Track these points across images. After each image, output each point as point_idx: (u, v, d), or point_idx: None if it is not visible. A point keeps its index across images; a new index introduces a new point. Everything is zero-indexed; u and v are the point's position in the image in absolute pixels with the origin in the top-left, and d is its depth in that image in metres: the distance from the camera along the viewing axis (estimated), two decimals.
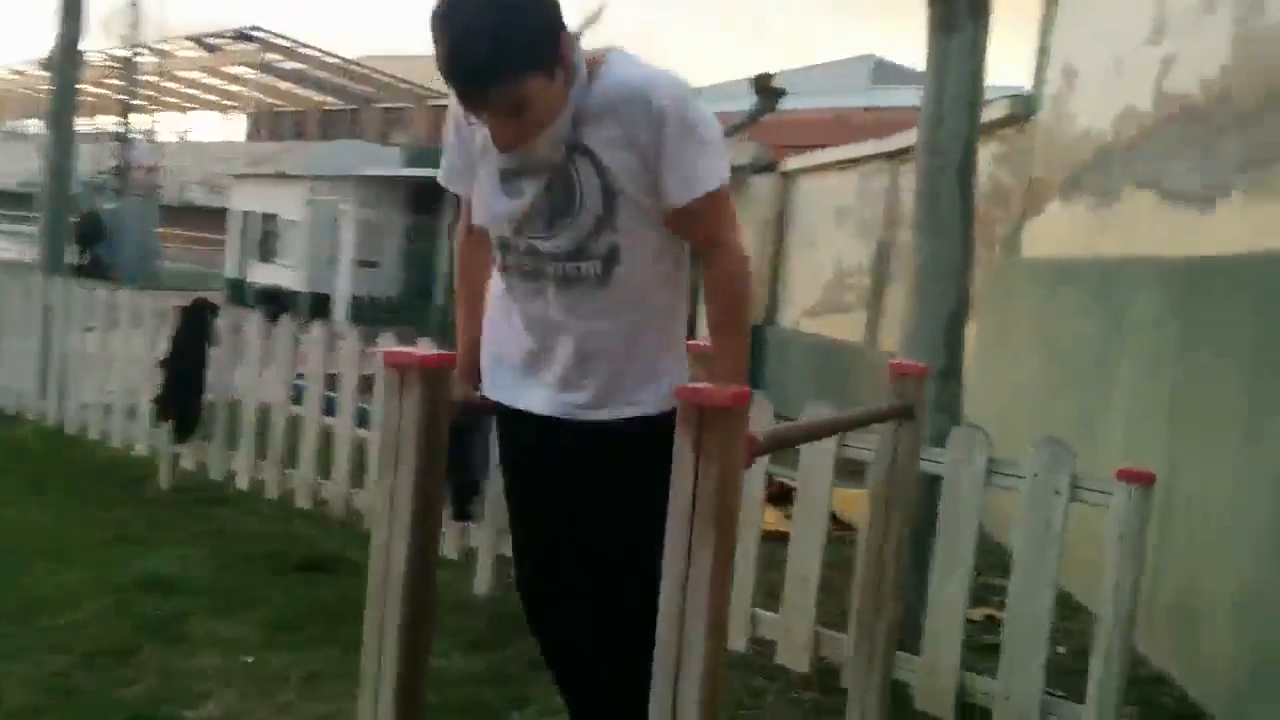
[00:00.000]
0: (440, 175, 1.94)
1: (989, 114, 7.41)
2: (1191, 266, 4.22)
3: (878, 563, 2.69)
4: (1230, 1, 4.34)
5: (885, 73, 26.95)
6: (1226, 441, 3.73)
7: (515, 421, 2.00)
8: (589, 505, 1.99)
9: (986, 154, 7.45)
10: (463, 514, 4.37)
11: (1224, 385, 3.85)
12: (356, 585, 4.37)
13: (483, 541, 4.25)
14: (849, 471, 3.55)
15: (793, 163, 11.98)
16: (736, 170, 12.49)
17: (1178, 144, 4.67)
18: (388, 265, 21.01)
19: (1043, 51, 6.81)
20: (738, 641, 3.56)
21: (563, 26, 1.64)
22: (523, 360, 1.93)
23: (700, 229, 1.79)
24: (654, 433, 1.86)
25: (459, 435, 4.27)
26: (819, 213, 11.09)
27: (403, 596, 1.56)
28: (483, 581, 4.23)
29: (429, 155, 24.51)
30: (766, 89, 9.77)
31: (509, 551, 4.14)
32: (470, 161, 1.86)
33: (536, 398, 1.94)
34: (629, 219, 1.76)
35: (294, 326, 5.25)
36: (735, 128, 10.08)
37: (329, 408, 5.07)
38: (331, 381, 5.07)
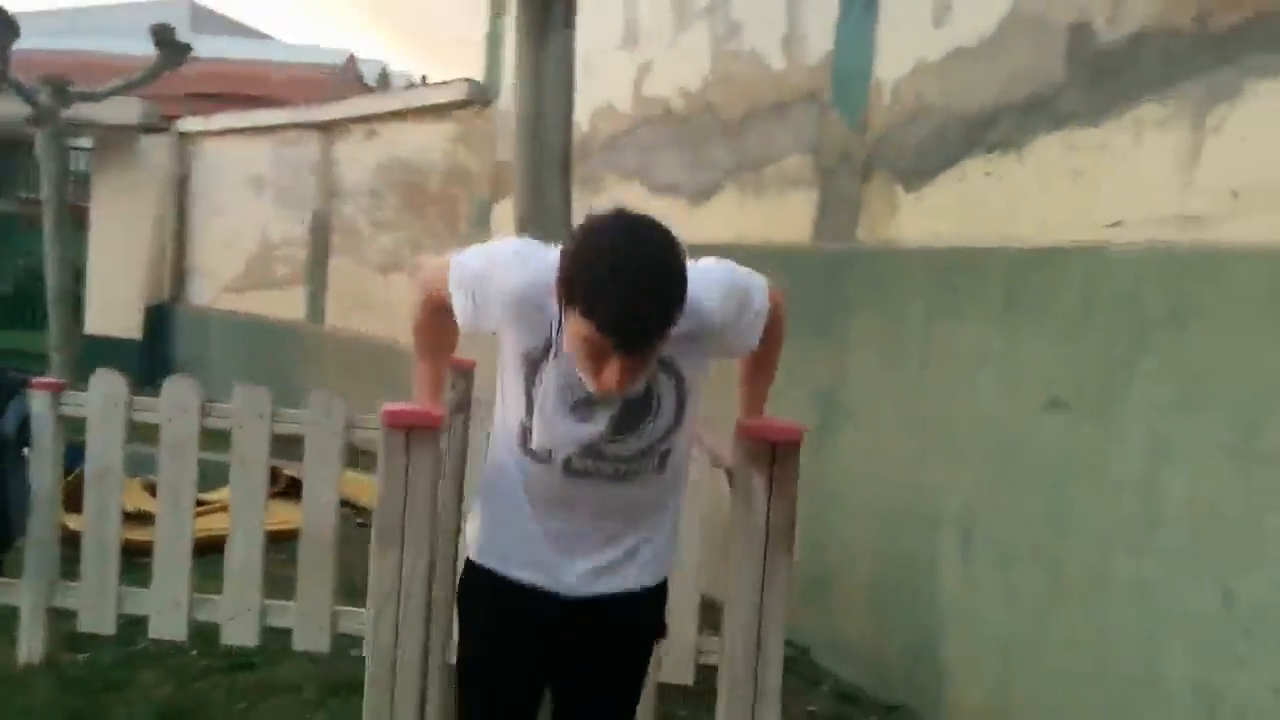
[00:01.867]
0: (464, 320, 1.74)
1: (445, 95, 7.70)
2: (697, 251, 4.93)
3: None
4: (706, 21, 5.09)
5: (203, 19, 25.62)
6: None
7: (529, 598, 1.82)
8: (605, 667, 1.92)
9: (443, 133, 7.76)
10: None
11: None
12: None
13: (26, 599, 3.61)
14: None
15: (192, 124, 11.19)
16: (123, 129, 11.33)
17: (664, 143, 5.36)
18: None
19: (494, 38, 7.23)
20: (250, 637, 3.55)
21: None
22: (556, 539, 1.80)
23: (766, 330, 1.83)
24: (664, 582, 1.90)
25: None
26: (230, 180, 10.52)
27: (418, 681, 1.44)
28: (32, 646, 3.59)
29: None
30: (169, 41, 8.96)
31: (65, 603, 3.58)
32: (498, 324, 1.70)
33: (571, 580, 1.81)
34: (690, 412, 1.77)
35: None
36: (131, 84, 9.13)
37: None
38: None
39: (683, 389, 1.71)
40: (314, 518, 3.58)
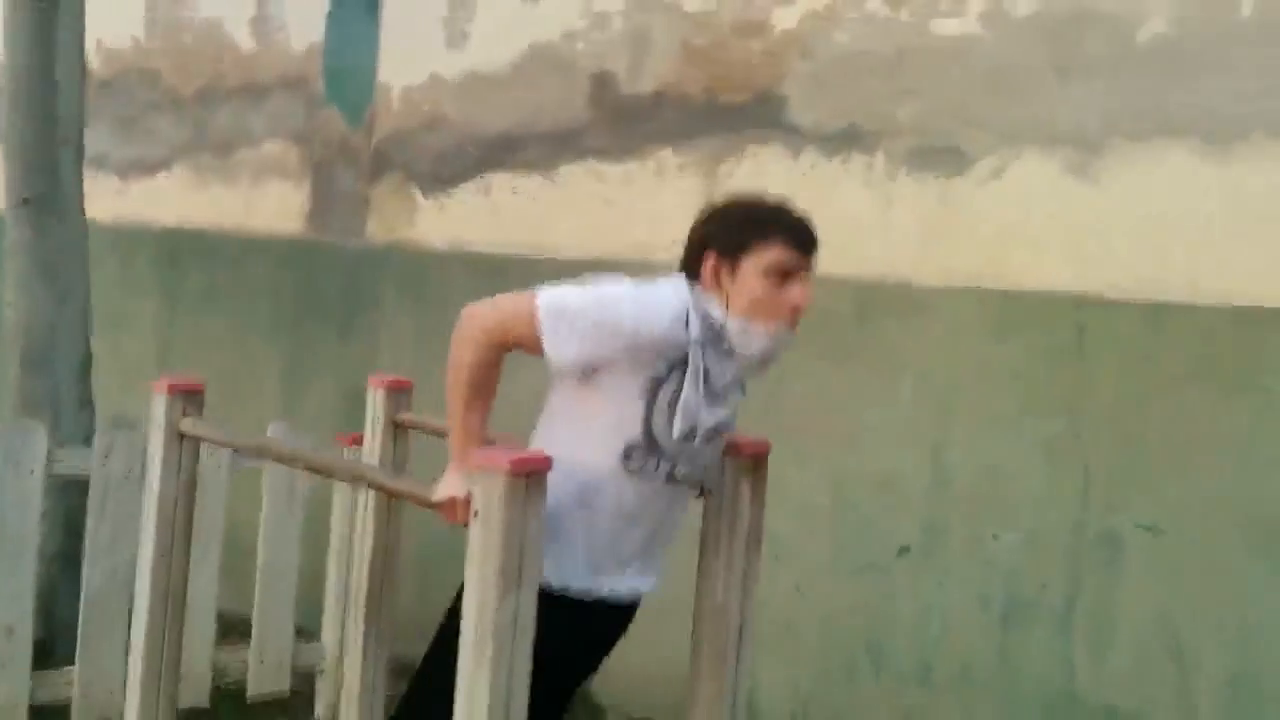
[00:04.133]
0: (566, 360, 1.82)
1: None
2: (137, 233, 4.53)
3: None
4: None
5: None
6: None
7: (585, 610, 1.95)
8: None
9: None
10: None
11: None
12: None
13: None
14: None
15: None
16: None
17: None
18: None
19: None
20: None
21: None
22: (627, 554, 1.95)
23: None
24: None
25: None
26: None
27: None
28: None
29: None
30: None
31: None
32: (613, 360, 1.80)
33: (625, 585, 1.98)
34: None
35: None
36: None
37: None
38: None
39: None
40: None
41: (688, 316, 1.88)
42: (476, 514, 1.63)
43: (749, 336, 1.89)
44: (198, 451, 2.34)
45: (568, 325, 1.83)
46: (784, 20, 3.61)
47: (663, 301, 1.88)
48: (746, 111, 3.67)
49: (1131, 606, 3.10)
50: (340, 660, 3.42)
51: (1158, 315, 3.10)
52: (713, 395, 1.92)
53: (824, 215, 3.56)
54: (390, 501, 2.70)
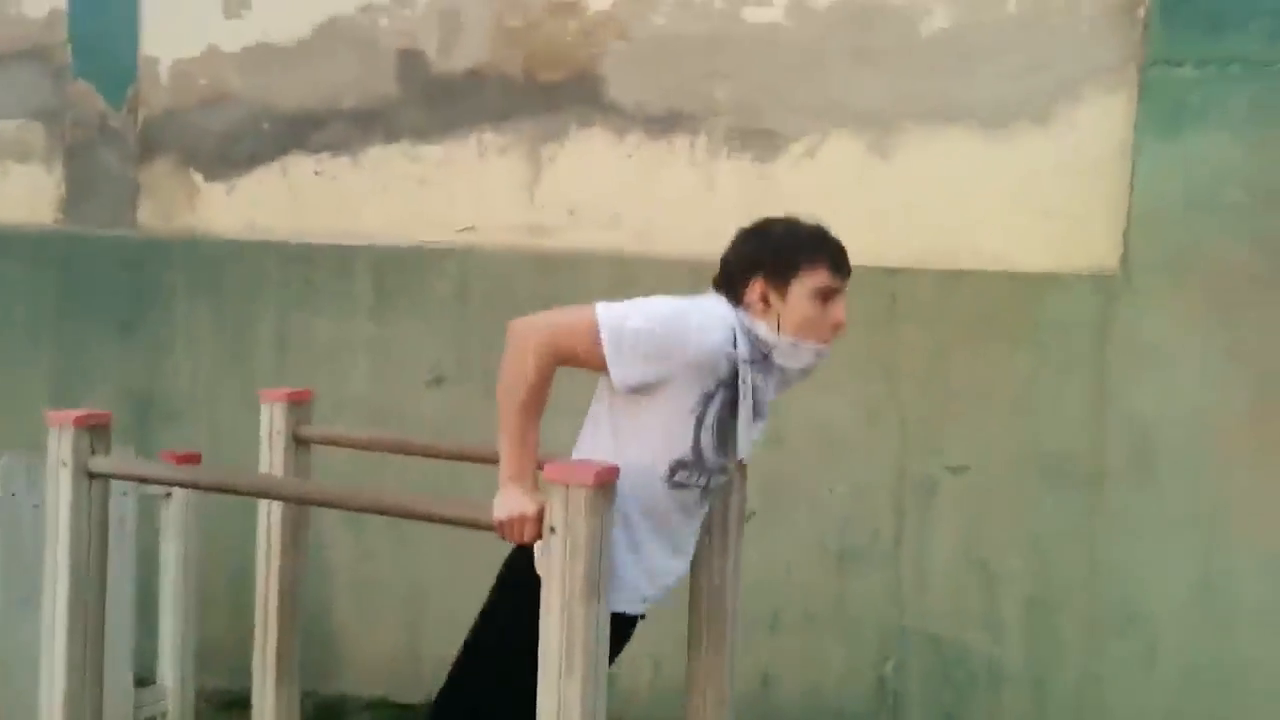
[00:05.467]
0: (630, 379, 1.80)
1: None
2: None
3: None
4: None
5: None
6: None
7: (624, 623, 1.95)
8: None
9: None
10: None
11: None
12: None
13: None
14: None
15: None
16: None
17: None
18: None
19: None
20: None
21: None
22: (661, 565, 1.97)
23: None
24: None
25: None
26: None
27: None
28: None
29: None
30: None
31: None
32: (673, 376, 1.81)
33: (658, 589, 2.05)
34: None
35: None
36: None
37: None
38: None
39: None
40: None
41: (734, 336, 1.94)
42: (553, 530, 1.61)
43: (798, 352, 1.99)
44: (108, 490, 2.08)
45: (630, 346, 1.84)
46: (597, 1, 3.65)
47: (719, 318, 1.94)
48: (567, 90, 3.69)
49: (947, 541, 3.50)
50: (182, 702, 3.17)
51: (952, 281, 3.48)
52: (758, 412, 2.02)
53: (651, 196, 3.72)
54: (299, 520, 2.52)
